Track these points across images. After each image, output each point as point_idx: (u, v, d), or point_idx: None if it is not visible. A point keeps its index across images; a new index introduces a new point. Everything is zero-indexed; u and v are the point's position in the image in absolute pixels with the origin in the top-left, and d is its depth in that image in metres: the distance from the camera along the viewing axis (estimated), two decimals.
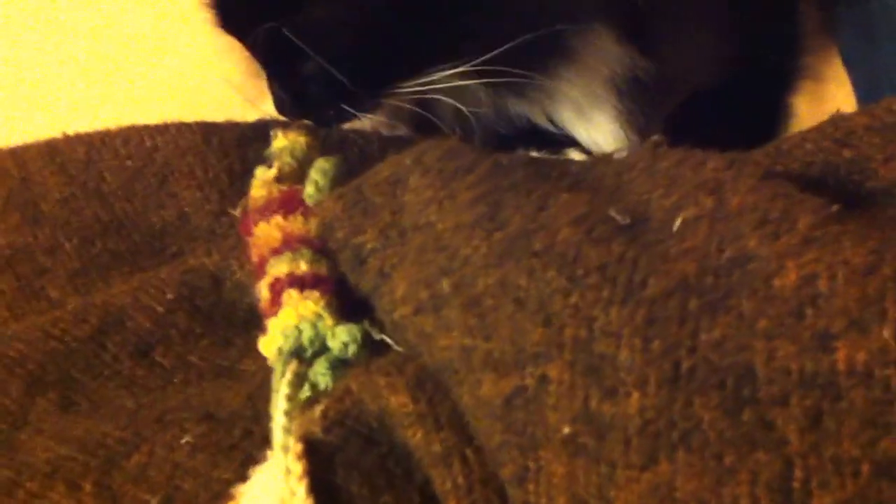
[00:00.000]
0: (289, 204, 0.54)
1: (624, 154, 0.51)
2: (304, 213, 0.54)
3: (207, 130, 0.67)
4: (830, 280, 0.38)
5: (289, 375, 0.45)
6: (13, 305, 0.62)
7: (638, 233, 0.42)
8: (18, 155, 0.67)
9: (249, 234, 0.54)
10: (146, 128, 0.66)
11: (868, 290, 0.38)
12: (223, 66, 0.73)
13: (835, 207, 0.41)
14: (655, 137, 0.46)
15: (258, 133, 0.66)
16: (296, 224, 0.54)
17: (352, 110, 0.62)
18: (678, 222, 0.41)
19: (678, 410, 0.36)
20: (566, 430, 0.38)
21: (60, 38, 0.87)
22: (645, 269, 0.40)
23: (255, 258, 0.54)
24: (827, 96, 0.70)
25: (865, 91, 0.68)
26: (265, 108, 0.70)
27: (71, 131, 0.68)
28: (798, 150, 0.49)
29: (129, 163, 0.65)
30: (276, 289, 0.50)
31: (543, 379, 0.39)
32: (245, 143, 0.66)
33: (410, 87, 0.61)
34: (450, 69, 0.59)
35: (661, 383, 0.37)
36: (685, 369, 0.37)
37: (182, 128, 0.67)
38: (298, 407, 0.44)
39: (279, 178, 0.57)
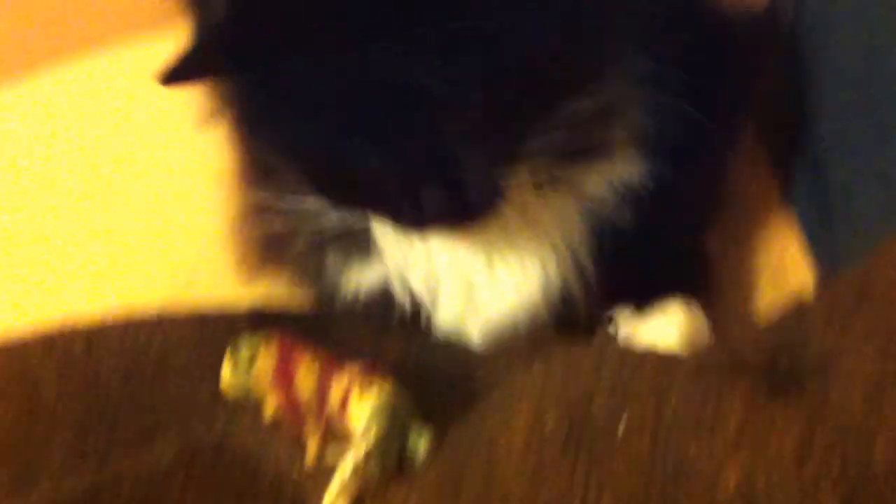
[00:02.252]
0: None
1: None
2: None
3: (200, 322, 0.69)
4: (767, 477, 0.40)
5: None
6: (6, 497, 0.63)
7: (581, 442, 0.44)
8: (16, 348, 0.68)
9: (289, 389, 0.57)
10: (142, 322, 0.67)
11: (804, 480, 0.40)
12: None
13: (763, 390, 0.42)
14: (601, 328, 0.49)
15: (251, 322, 0.69)
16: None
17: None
18: (622, 427, 0.43)
19: None
20: None
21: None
22: (596, 492, 0.42)
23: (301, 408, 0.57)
24: (787, 268, 0.72)
25: (823, 263, 0.70)
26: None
27: None
28: (748, 338, 0.51)
29: (124, 358, 0.66)
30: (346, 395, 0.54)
31: None
32: (237, 332, 0.67)
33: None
34: None
35: None
36: None
37: (176, 322, 0.69)
38: None
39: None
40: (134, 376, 0.67)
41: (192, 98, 0.84)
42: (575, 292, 0.64)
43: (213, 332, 0.68)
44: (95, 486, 0.58)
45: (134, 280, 0.82)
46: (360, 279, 0.66)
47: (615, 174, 0.62)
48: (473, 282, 0.65)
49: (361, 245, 0.65)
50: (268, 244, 0.69)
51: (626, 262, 0.64)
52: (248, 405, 0.60)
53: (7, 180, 0.89)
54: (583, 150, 0.58)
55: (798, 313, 0.57)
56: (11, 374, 0.68)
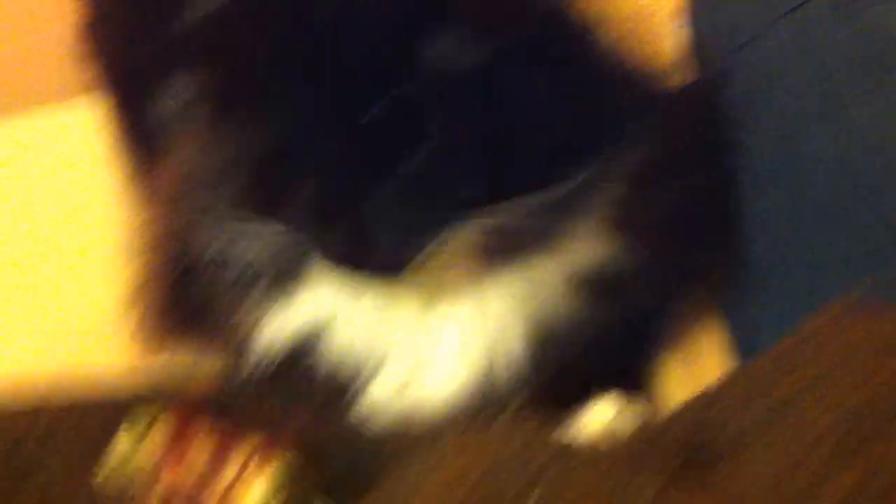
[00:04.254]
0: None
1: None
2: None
3: (79, 414, 0.65)
4: None
5: None
6: None
7: None
8: None
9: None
10: (16, 413, 0.64)
11: None
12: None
13: (673, 472, 0.41)
14: (512, 409, 0.47)
15: (130, 408, 0.65)
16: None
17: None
18: None
19: None
20: None
21: None
22: None
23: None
24: (703, 349, 0.71)
25: (745, 343, 0.69)
26: None
27: None
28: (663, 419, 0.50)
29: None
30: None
31: None
32: (118, 419, 0.64)
33: None
34: None
35: None
36: None
37: (52, 415, 0.65)
38: None
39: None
40: (4, 468, 0.62)
41: (92, 163, 0.85)
42: (502, 379, 0.61)
43: (101, 416, 0.64)
44: None
45: (24, 351, 0.79)
46: (279, 328, 0.63)
47: (571, 262, 0.60)
48: (399, 350, 0.63)
49: (288, 287, 0.62)
50: (178, 298, 0.66)
51: (569, 357, 0.62)
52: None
53: None
54: (536, 231, 0.57)
55: (715, 394, 0.56)
56: None
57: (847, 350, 0.49)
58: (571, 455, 0.43)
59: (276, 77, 0.51)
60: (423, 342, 0.63)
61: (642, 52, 0.70)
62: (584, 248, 0.60)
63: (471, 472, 0.45)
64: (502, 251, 0.57)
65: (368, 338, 0.62)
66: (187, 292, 0.65)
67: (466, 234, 0.55)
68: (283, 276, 0.61)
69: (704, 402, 0.55)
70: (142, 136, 0.79)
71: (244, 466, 0.53)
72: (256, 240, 0.58)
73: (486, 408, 0.61)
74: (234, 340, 0.65)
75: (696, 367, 0.70)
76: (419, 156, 0.51)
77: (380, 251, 0.52)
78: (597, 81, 0.58)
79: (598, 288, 0.60)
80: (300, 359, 0.64)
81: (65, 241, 0.85)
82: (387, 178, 0.52)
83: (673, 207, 0.60)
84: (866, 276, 0.55)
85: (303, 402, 0.64)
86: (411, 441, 0.60)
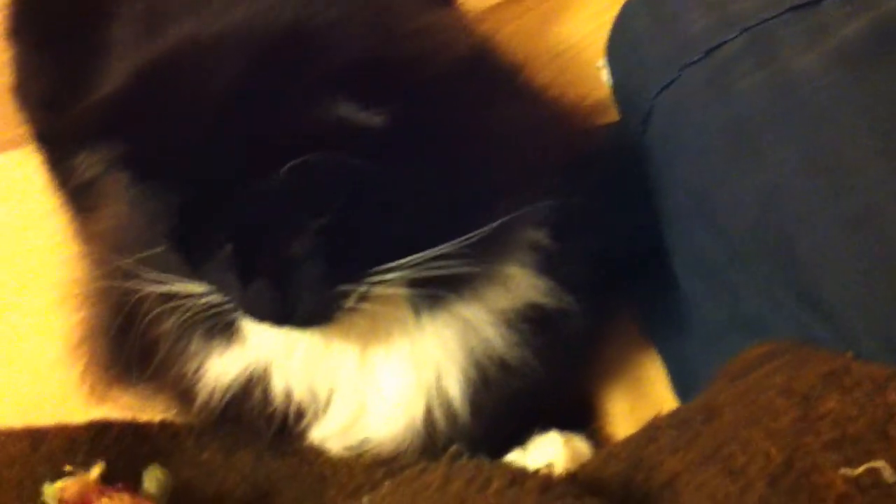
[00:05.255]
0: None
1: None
2: None
3: (35, 437, 0.67)
4: None
5: None
6: None
7: None
8: None
9: None
10: None
11: None
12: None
13: None
14: (453, 449, 0.48)
15: (90, 434, 0.67)
16: None
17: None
18: None
19: None
20: None
21: None
22: None
23: None
24: (645, 389, 0.72)
25: (679, 378, 0.70)
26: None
27: None
28: (601, 457, 0.51)
29: None
30: None
31: None
32: (75, 447, 0.67)
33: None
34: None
35: None
36: None
37: (10, 436, 0.67)
38: None
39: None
40: None
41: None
42: (439, 421, 0.62)
43: (48, 447, 0.66)
44: None
45: None
46: (221, 374, 0.64)
47: (502, 303, 0.61)
48: (336, 393, 0.63)
49: (226, 334, 0.63)
50: (123, 345, 0.66)
51: (506, 397, 0.63)
52: None
53: None
54: (461, 277, 0.58)
55: (650, 433, 0.57)
56: None
57: (769, 397, 0.50)
58: (507, 481, 0.44)
59: (183, 145, 0.52)
60: (362, 386, 0.63)
61: (567, 93, 0.72)
62: (509, 290, 0.61)
63: None
64: (428, 297, 0.58)
65: (309, 381, 0.63)
66: (128, 342, 0.65)
67: (391, 283, 0.55)
68: (219, 327, 0.62)
69: (642, 441, 0.56)
70: (70, 193, 0.81)
71: None
72: (190, 294, 0.59)
73: (426, 450, 0.62)
74: (178, 387, 0.66)
75: (638, 399, 0.71)
76: (330, 214, 0.52)
77: (301, 306, 0.54)
78: (515, 132, 0.59)
79: (528, 327, 0.61)
80: (244, 401, 0.64)
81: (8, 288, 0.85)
82: (300, 236, 0.53)
83: (594, 251, 0.61)
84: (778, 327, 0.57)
85: (250, 441, 0.66)
86: (354, 480, 0.62)
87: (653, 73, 0.72)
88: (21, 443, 0.66)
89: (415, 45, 0.54)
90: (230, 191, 0.52)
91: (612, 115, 0.81)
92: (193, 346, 0.64)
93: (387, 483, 0.50)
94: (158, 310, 0.62)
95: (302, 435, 0.65)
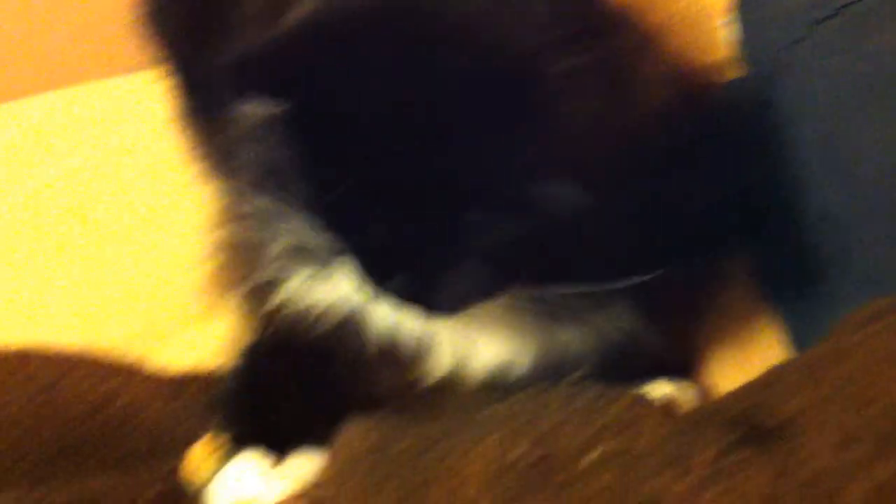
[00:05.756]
0: None
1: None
2: None
3: (175, 383, 0.68)
4: None
5: None
6: None
7: (548, 470, 0.43)
8: None
9: None
10: (112, 367, 0.67)
11: None
12: None
13: (735, 436, 0.43)
14: (575, 376, 0.49)
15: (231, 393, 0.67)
16: None
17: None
18: (590, 458, 0.43)
19: None
20: None
21: None
22: None
23: None
24: (758, 348, 0.72)
25: (800, 337, 0.70)
26: None
27: None
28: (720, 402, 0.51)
29: (90, 396, 0.66)
30: None
31: None
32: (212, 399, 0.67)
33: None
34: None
35: None
36: None
37: (148, 380, 0.68)
38: None
39: None
40: (99, 415, 0.66)
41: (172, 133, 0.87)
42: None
43: (189, 395, 0.67)
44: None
45: (106, 308, 0.81)
46: (325, 297, 0.64)
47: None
48: (434, 338, 0.64)
49: (335, 268, 0.63)
50: (240, 258, 0.67)
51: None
52: None
53: None
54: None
55: (770, 378, 0.57)
56: None
57: (891, 346, 0.50)
58: (633, 419, 0.45)
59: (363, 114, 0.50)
60: (459, 338, 0.64)
61: (692, 50, 0.72)
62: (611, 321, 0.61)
63: (534, 427, 0.46)
64: (538, 314, 0.59)
65: (410, 324, 0.64)
66: (248, 259, 0.66)
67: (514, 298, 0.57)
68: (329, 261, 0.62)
69: (760, 386, 0.56)
70: (204, 126, 0.81)
71: None
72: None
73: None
74: (287, 308, 0.66)
75: (750, 358, 0.71)
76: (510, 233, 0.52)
77: (440, 298, 0.54)
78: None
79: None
80: (344, 333, 0.65)
81: (136, 206, 0.88)
82: (466, 239, 0.52)
83: (717, 209, 0.61)
84: None
85: (356, 368, 0.66)
86: (469, 404, 0.62)
87: (783, 28, 0.72)
88: (158, 388, 0.68)
89: None
90: (407, 171, 0.51)
91: (735, 74, 0.81)
92: (302, 274, 0.64)
93: (507, 401, 0.51)
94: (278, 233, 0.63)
95: (400, 374, 0.66)
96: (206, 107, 0.80)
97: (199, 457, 0.61)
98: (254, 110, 0.55)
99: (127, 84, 0.94)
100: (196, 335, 0.76)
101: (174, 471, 0.61)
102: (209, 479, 0.60)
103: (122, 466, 0.64)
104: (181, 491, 0.60)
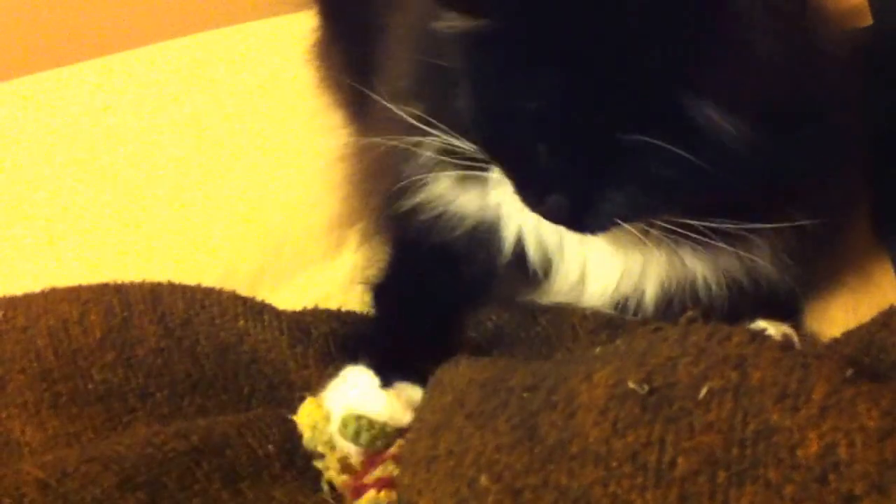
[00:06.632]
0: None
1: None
2: None
3: (301, 330, 0.69)
4: (850, 447, 0.41)
5: None
6: (100, 432, 0.65)
7: (662, 401, 0.45)
8: (123, 294, 0.70)
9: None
10: (244, 306, 0.69)
11: (885, 454, 0.41)
12: None
13: (849, 372, 0.44)
14: (690, 313, 0.50)
15: (355, 329, 0.71)
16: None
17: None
18: (704, 391, 0.44)
19: None
20: None
21: None
22: (672, 448, 0.43)
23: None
24: (872, 293, 0.71)
25: None
26: None
27: None
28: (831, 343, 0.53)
29: (222, 334, 0.68)
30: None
31: None
32: (336, 338, 0.70)
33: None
34: None
35: None
36: None
37: (277, 321, 0.69)
38: None
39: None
40: (230, 352, 0.69)
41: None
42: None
43: (315, 345, 0.69)
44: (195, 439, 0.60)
45: (235, 247, 0.85)
46: (463, 205, 0.67)
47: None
48: (562, 257, 0.67)
49: (475, 179, 0.66)
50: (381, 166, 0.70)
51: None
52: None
53: (110, 144, 0.94)
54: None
55: (884, 320, 0.59)
56: (115, 319, 0.69)
57: None
58: (749, 355, 0.46)
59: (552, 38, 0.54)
60: (583, 258, 0.66)
61: None
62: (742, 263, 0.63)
63: (649, 360, 0.48)
64: (672, 243, 0.61)
65: (540, 240, 0.66)
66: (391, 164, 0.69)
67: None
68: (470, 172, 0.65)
69: (875, 326, 0.58)
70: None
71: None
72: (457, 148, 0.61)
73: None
74: (426, 211, 0.69)
75: (862, 302, 0.70)
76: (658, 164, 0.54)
77: (584, 223, 0.58)
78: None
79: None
80: (476, 244, 0.68)
81: (265, 146, 0.91)
82: (618, 166, 0.55)
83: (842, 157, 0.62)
84: None
85: (485, 277, 0.69)
86: (579, 343, 0.64)
87: None
88: (285, 335, 0.69)
89: None
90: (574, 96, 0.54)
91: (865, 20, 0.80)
92: (443, 179, 0.67)
93: (623, 336, 0.52)
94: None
95: (527, 290, 0.69)
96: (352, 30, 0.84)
97: (309, 412, 0.63)
98: (449, 23, 0.58)
99: (256, 28, 0.98)
100: (321, 273, 0.80)
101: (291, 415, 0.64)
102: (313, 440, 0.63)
103: (248, 406, 0.68)
104: (300, 435, 0.63)
